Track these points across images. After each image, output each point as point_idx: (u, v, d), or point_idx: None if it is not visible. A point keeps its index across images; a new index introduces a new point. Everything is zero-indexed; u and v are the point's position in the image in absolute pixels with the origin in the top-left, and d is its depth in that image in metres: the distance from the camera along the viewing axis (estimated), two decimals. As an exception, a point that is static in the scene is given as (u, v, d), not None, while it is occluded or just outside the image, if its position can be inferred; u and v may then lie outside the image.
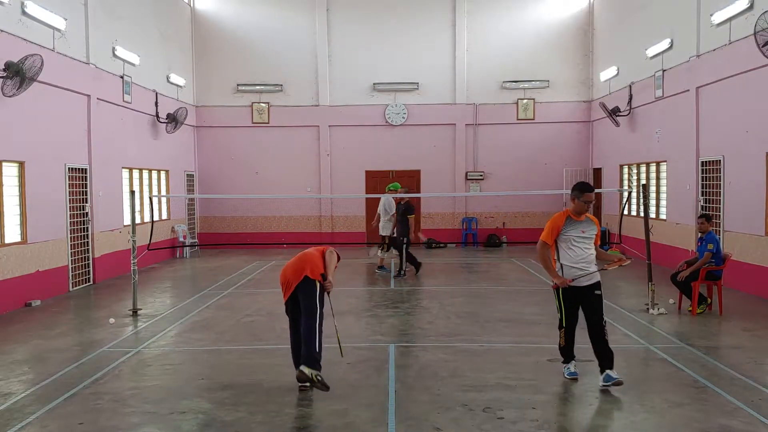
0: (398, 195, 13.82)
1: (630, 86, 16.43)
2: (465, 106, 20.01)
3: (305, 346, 6.15)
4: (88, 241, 13.03)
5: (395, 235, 13.81)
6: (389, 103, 19.96)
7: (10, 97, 10.09)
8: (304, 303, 6.25)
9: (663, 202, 15.24)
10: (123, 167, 14.94)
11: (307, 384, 6.07)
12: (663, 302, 9.95)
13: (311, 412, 5.74)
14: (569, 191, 6.89)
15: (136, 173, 15.69)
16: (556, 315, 9.65)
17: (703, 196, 13.03)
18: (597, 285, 6.44)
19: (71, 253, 12.34)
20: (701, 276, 9.48)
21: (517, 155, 19.92)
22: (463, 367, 7.01)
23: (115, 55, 14.37)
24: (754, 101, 11.15)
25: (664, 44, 14.48)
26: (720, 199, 12.28)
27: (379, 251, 14.11)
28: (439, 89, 20.06)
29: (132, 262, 10.26)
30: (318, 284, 6.25)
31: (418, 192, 19.63)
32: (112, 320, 9.51)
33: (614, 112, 16.99)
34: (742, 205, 11.48)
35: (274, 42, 19.97)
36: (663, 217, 15.13)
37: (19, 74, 10.00)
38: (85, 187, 13.08)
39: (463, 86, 19.98)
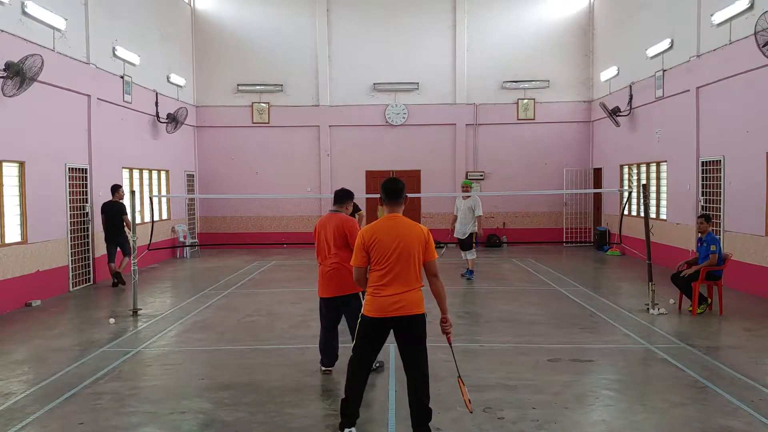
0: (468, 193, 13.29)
1: (630, 86, 16.43)
2: (465, 106, 20.01)
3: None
4: (88, 241, 13.02)
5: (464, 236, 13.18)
6: (389, 103, 19.96)
7: (10, 97, 10.09)
8: (349, 312, 6.57)
9: (663, 202, 15.24)
10: (123, 167, 14.94)
11: (330, 369, 6.76)
12: (663, 302, 9.95)
13: (311, 412, 5.74)
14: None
15: (136, 173, 15.69)
16: (556, 315, 9.71)
17: (703, 196, 13.02)
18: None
19: (71, 253, 12.34)
20: (701, 276, 9.48)
21: (517, 155, 19.92)
22: (463, 367, 6.95)
23: (115, 55, 14.37)
24: (754, 101, 11.14)
25: (665, 44, 14.48)
26: (720, 199, 12.28)
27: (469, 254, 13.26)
28: (439, 89, 20.06)
29: (132, 262, 10.27)
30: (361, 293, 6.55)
31: (418, 192, 19.65)
32: (112, 320, 9.51)
33: (614, 112, 16.99)
34: (742, 205, 11.48)
35: (274, 42, 19.98)
36: (663, 217, 15.13)
37: (19, 74, 10.00)
38: (85, 187, 13.07)
39: (463, 86, 19.98)
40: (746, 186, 11.32)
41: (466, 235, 13.05)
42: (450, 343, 5.14)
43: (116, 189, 13.01)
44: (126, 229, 12.73)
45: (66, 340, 8.51)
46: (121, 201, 12.93)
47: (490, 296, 11.57)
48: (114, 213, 12.76)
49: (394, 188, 4.98)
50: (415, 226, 4.93)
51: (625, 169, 17.47)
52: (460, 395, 5.02)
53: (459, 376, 5.12)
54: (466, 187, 13.46)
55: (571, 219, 19.96)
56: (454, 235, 13.35)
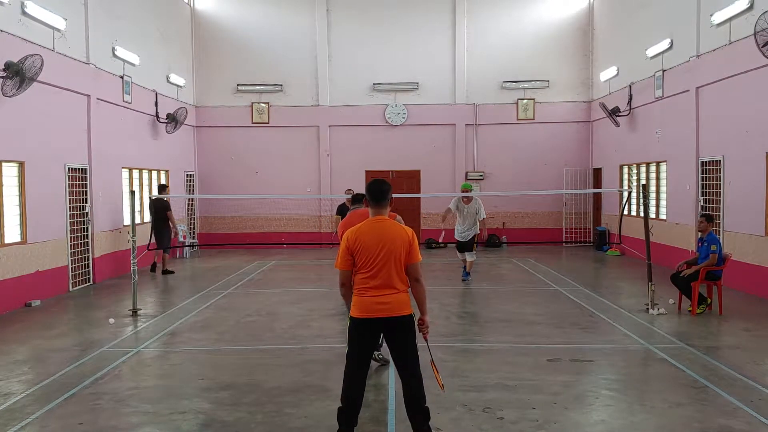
0: (469, 194, 13.10)
1: (630, 86, 16.43)
2: (465, 106, 20.01)
3: None
4: (88, 241, 13.02)
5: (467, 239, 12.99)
6: (389, 103, 19.96)
7: (10, 97, 10.08)
8: None
9: (663, 202, 15.25)
10: (123, 167, 14.94)
11: None
12: (663, 302, 9.95)
13: (311, 412, 5.74)
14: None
15: (136, 173, 15.68)
16: (555, 315, 9.71)
17: (703, 196, 13.03)
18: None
19: (71, 253, 12.33)
20: (701, 276, 9.48)
21: (517, 155, 19.92)
22: (463, 367, 7.00)
23: (115, 55, 14.37)
24: (754, 101, 11.15)
25: (664, 44, 14.48)
26: (720, 199, 12.28)
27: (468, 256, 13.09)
28: (439, 89, 20.06)
29: (132, 262, 10.25)
30: None
31: (418, 192, 19.65)
32: (112, 320, 9.51)
33: (614, 112, 16.99)
34: (742, 205, 11.47)
35: (274, 42, 19.98)
36: (663, 217, 15.13)
37: (19, 74, 9.99)
38: (85, 187, 13.07)
39: (463, 86, 19.98)
40: (746, 186, 11.32)
41: (468, 238, 13.01)
42: (426, 340, 5.07)
43: (163, 188, 15.20)
44: (170, 223, 14.44)
45: (66, 340, 8.51)
46: (165, 198, 14.64)
47: (490, 296, 11.58)
48: (158, 209, 14.16)
49: (380, 190, 4.91)
50: (399, 229, 4.85)
51: (625, 169, 17.47)
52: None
53: (432, 361, 5.12)
54: (466, 191, 13.25)
55: (570, 219, 19.96)
56: (455, 237, 13.27)
